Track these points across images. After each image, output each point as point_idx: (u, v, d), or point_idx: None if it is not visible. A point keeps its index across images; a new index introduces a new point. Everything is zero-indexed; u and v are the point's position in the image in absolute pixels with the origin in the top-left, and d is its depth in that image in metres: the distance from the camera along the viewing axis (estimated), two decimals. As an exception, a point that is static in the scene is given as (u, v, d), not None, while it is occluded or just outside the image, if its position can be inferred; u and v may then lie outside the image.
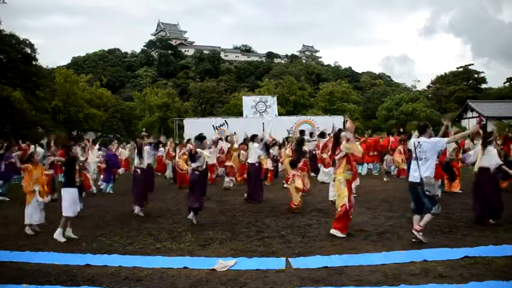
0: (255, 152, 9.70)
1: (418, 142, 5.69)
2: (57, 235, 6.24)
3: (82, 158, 8.29)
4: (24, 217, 6.76)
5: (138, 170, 8.55)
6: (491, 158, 6.81)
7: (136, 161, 8.72)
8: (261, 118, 21.66)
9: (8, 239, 6.37)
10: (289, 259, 4.98)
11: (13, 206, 8.41)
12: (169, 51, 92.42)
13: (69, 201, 6.42)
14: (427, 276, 4.29)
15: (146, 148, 8.81)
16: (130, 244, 5.93)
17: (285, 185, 10.65)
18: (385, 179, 12.74)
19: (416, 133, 6.34)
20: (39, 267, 4.95)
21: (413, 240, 5.60)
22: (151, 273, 4.67)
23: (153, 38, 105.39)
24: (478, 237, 5.72)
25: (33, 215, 6.73)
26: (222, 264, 4.83)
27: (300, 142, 10.17)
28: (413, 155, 5.76)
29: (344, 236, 5.97)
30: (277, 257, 5.11)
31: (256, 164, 9.79)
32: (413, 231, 5.62)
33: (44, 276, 4.64)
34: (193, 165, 7.56)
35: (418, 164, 5.60)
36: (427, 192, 5.51)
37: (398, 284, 4.09)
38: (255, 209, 8.51)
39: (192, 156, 7.61)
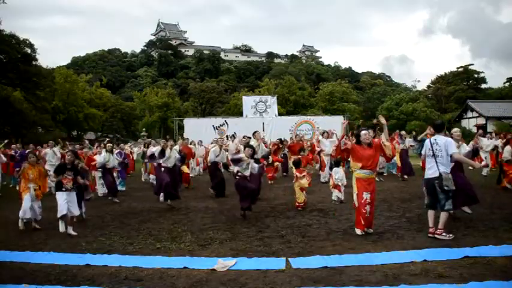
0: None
1: (435, 139, 5.94)
2: (60, 227, 6.73)
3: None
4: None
5: (163, 168, 8.94)
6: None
7: (161, 160, 9.08)
8: (261, 118, 21.68)
9: (8, 239, 6.38)
10: (289, 259, 4.97)
11: (13, 207, 8.38)
12: (169, 51, 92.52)
13: (60, 203, 6.68)
14: (427, 276, 4.29)
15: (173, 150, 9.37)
16: (130, 244, 5.93)
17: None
18: (380, 179, 12.69)
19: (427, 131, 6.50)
20: (39, 267, 4.95)
21: (430, 236, 5.74)
22: (151, 273, 4.67)
23: (153, 38, 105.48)
24: (478, 237, 5.71)
25: (26, 211, 6.95)
26: (222, 264, 4.83)
27: None
28: (430, 153, 5.96)
29: (361, 233, 5.99)
30: (277, 257, 5.10)
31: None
32: (436, 235, 5.71)
33: (44, 276, 4.64)
34: (235, 168, 7.65)
35: (436, 160, 5.85)
36: (445, 187, 5.71)
37: (398, 284, 4.09)
38: (255, 209, 8.50)
39: (235, 160, 7.68)
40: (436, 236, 5.73)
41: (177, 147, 10.58)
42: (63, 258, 5.29)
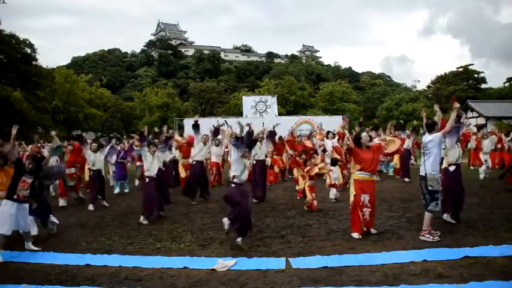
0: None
1: (424, 139, 6.00)
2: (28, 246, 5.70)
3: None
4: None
5: (146, 179, 7.63)
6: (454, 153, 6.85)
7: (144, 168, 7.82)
8: (261, 118, 21.64)
9: (8, 239, 6.35)
10: (289, 259, 4.98)
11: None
12: (169, 51, 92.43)
13: (2, 215, 5.51)
14: (427, 276, 4.29)
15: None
16: (130, 244, 5.93)
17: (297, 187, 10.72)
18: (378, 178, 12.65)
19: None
20: (39, 267, 4.96)
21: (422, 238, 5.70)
22: (151, 273, 4.68)
23: (153, 38, 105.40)
24: (478, 237, 5.71)
25: None
26: (222, 264, 4.83)
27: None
28: (422, 151, 6.05)
29: (358, 237, 5.88)
30: (277, 257, 5.11)
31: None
32: (420, 236, 5.72)
33: (44, 276, 4.65)
34: (232, 172, 5.99)
35: (424, 160, 5.92)
36: (429, 187, 5.74)
37: (398, 284, 4.09)
38: (255, 209, 8.49)
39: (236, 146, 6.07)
40: (420, 237, 5.72)
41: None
42: (63, 258, 5.30)
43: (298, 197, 9.39)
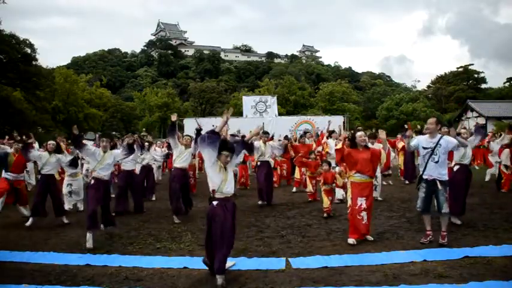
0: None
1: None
2: None
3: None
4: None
5: (92, 180, 6.21)
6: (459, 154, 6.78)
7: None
8: (261, 118, 21.64)
9: (8, 239, 6.37)
10: (289, 259, 4.97)
11: (14, 207, 8.38)
12: (169, 51, 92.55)
13: None
14: (427, 276, 4.29)
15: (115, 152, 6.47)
16: (130, 244, 5.93)
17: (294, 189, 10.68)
18: (389, 182, 12.58)
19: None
20: (39, 267, 4.95)
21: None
22: (151, 273, 4.67)
23: (153, 38, 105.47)
24: (478, 237, 5.71)
25: None
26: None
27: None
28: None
29: (353, 242, 5.60)
30: (277, 257, 5.11)
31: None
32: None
33: (44, 276, 4.64)
34: (213, 183, 4.40)
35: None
36: None
37: (398, 284, 4.09)
38: (255, 209, 8.51)
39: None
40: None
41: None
42: (63, 258, 5.29)
43: (309, 199, 9.16)
